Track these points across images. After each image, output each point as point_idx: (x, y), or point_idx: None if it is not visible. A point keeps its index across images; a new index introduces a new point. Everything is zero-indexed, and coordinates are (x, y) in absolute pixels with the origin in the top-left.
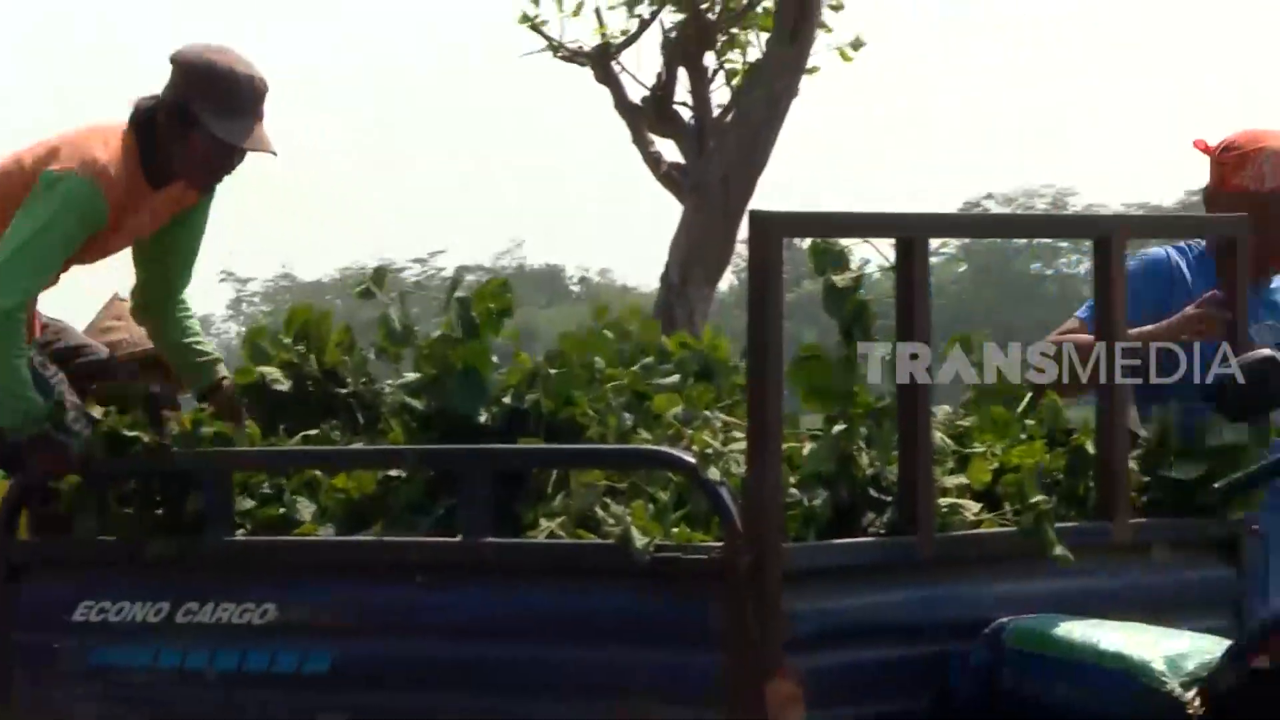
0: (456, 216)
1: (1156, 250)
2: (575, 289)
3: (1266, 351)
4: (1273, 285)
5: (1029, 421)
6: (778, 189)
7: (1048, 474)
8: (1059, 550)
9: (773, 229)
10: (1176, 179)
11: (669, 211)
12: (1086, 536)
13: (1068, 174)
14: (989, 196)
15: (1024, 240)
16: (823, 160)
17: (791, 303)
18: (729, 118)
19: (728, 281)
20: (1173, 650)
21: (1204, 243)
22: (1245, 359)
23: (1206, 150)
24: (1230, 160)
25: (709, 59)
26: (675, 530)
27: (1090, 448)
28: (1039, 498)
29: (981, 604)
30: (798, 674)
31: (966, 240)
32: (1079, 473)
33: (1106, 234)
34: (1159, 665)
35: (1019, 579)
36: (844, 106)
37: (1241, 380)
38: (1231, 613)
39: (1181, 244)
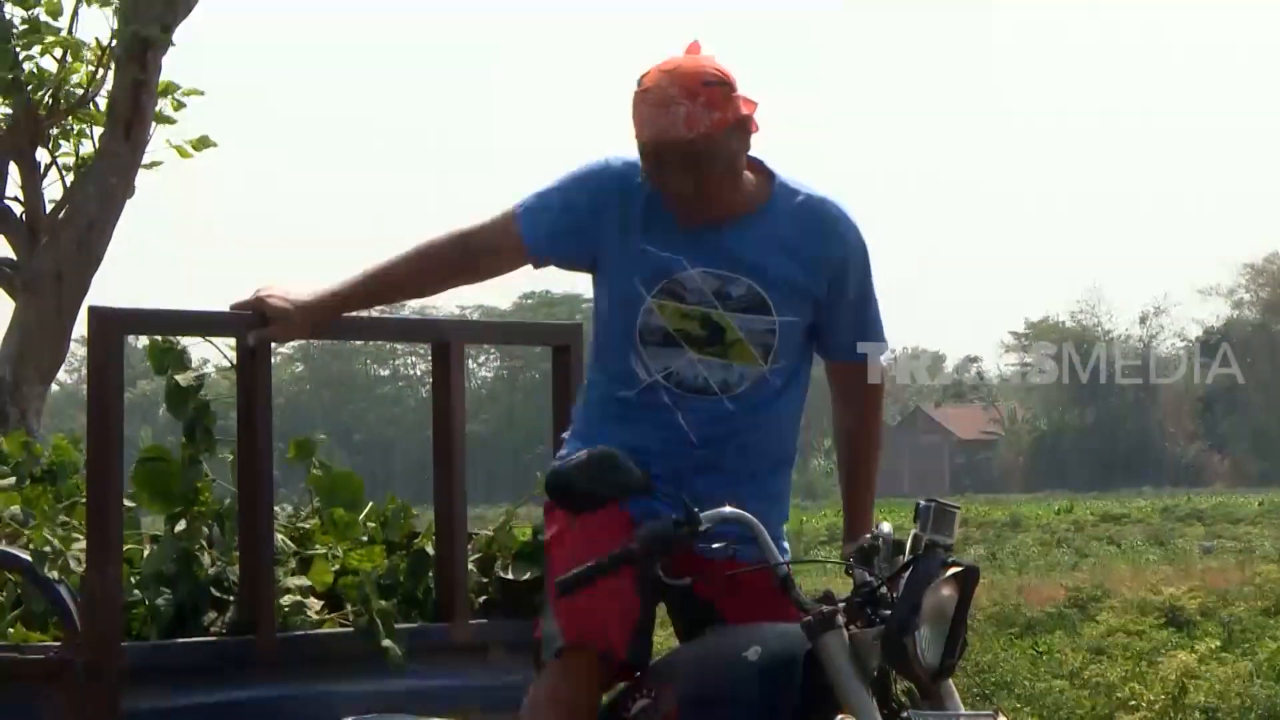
0: None
1: (620, 156)
2: None
3: (604, 448)
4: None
5: (370, 524)
6: (115, 286)
7: (392, 575)
8: (392, 653)
9: (113, 326)
10: (514, 285)
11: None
12: (426, 637)
13: None
14: None
15: (360, 342)
16: (162, 257)
17: (127, 403)
18: (62, 214)
19: (66, 376)
20: None
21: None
22: (585, 455)
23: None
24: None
25: (41, 154)
26: (12, 630)
27: (430, 549)
28: (382, 603)
29: (325, 703)
30: None
31: (304, 341)
32: (420, 574)
33: (445, 338)
34: None
35: (362, 679)
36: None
37: (579, 474)
38: None
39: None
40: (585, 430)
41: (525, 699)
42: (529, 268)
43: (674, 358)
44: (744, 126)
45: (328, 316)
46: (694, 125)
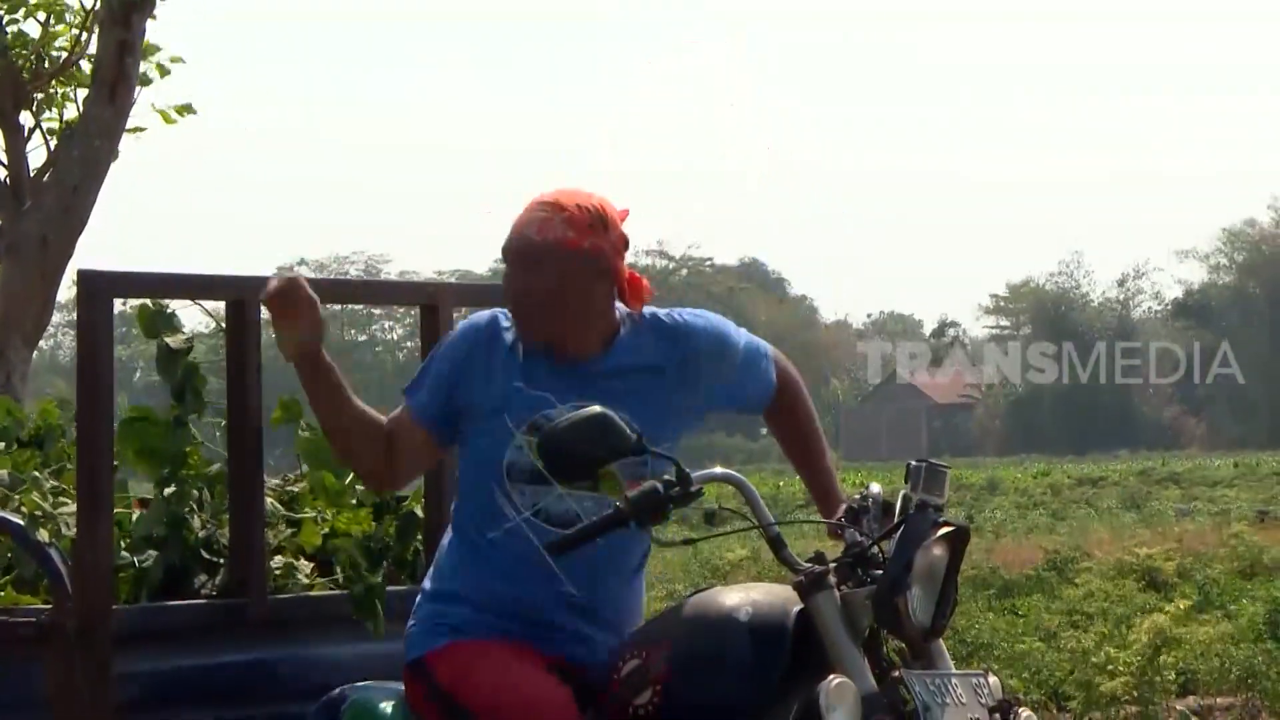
0: None
1: (479, 315)
2: None
3: (597, 408)
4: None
5: (358, 488)
6: (100, 250)
7: (380, 538)
8: (382, 626)
9: (103, 288)
10: (491, 250)
11: None
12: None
13: (380, 241)
14: (302, 262)
15: (339, 306)
16: (148, 220)
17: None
18: (46, 177)
19: (43, 342)
20: None
21: None
22: (574, 414)
23: None
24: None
25: (25, 117)
26: (2, 594)
27: (419, 512)
28: (374, 579)
29: (317, 665)
30: None
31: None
32: (408, 537)
33: (434, 301)
34: None
35: (352, 641)
36: (179, 167)
37: (570, 436)
38: None
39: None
40: (449, 574)
41: None
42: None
43: (543, 495)
44: (606, 271)
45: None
46: (545, 232)
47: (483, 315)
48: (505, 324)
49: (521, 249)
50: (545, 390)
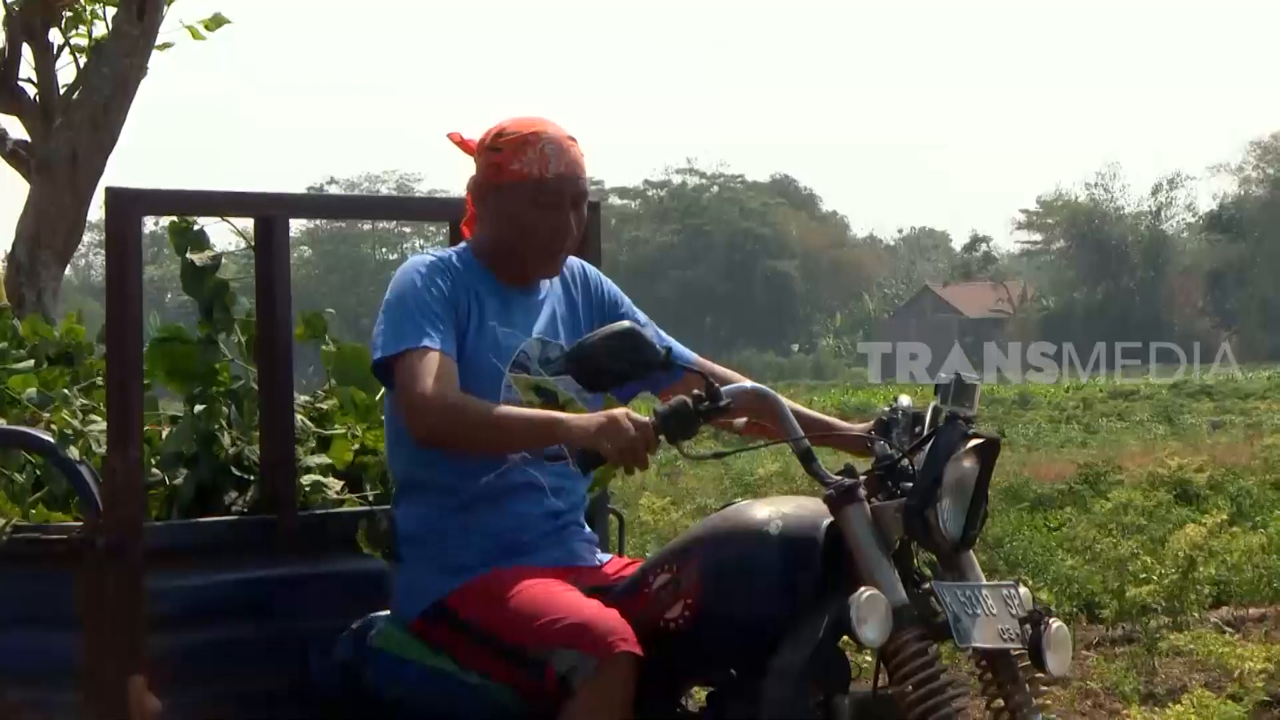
0: None
1: (427, 255)
2: None
3: (627, 324)
4: (543, 288)
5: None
6: (131, 168)
7: None
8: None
9: (131, 206)
10: None
11: (15, 191)
12: None
13: (411, 160)
14: (332, 181)
15: (368, 225)
16: (178, 140)
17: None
18: (76, 95)
19: (74, 264)
20: None
21: (467, 246)
22: (606, 329)
23: (463, 143)
24: (508, 145)
25: (54, 35)
26: (34, 511)
27: None
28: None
29: (347, 580)
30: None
31: (312, 224)
32: None
33: (460, 217)
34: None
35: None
36: (203, 82)
37: (600, 350)
38: None
39: (448, 248)
40: (429, 534)
41: None
42: None
43: None
44: None
45: None
46: (586, 174)
47: (441, 254)
48: (458, 263)
49: (582, 192)
50: (515, 326)
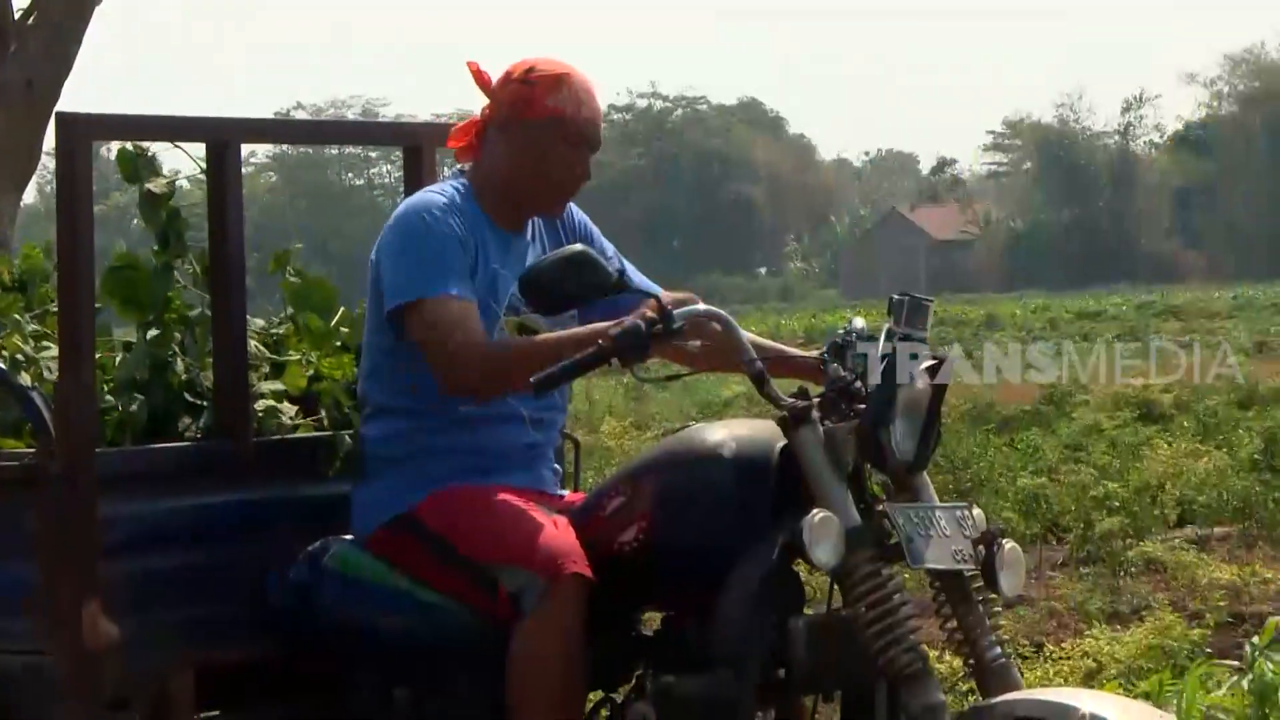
0: None
1: (432, 194)
2: None
3: (579, 247)
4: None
5: (344, 330)
6: (91, 97)
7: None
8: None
9: (81, 131)
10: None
11: None
12: None
13: (376, 84)
14: (299, 106)
15: (336, 150)
16: (134, 66)
17: (100, 215)
18: (30, 20)
19: (32, 192)
20: None
21: (464, 181)
22: (558, 253)
23: (480, 74)
24: (542, 81)
25: None
26: None
27: None
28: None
29: (302, 505)
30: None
31: (278, 150)
32: None
33: (418, 143)
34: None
35: (338, 482)
36: (164, 6)
37: (553, 274)
38: None
39: (446, 184)
40: (404, 450)
41: (521, 646)
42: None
43: None
44: None
45: None
46: None
47: (445, 191)
48: (461, 202)
49: (600, 140)
50: (506, 267)
